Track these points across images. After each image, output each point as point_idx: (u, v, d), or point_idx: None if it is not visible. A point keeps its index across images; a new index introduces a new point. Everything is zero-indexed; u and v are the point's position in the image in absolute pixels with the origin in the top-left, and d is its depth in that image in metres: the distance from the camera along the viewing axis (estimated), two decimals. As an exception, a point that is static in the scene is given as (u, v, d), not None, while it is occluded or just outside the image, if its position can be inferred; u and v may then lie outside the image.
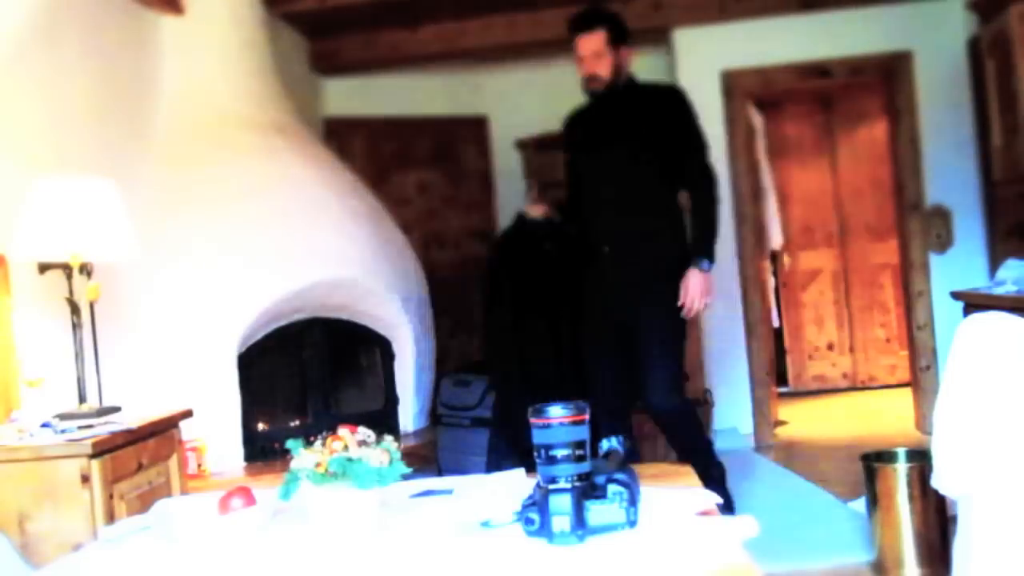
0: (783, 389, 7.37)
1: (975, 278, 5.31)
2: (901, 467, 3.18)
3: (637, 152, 3.77)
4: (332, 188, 4.37)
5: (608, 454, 1.69)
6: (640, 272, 3.74)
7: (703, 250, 3.70)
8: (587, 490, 1.52)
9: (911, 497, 3.13)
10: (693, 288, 3.66)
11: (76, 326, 2.71)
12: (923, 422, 5.65)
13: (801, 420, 6.50)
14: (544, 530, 1.51)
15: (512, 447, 4.08)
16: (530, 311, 4.15)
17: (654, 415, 3.78)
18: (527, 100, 6.58)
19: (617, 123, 3.82)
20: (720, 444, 5.57)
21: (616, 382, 3.80)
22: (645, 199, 3.79)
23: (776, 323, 6.87)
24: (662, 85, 3.99)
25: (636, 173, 3.78)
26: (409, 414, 4.62)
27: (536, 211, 4.09)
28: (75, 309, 2.71)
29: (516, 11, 5.70)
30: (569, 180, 4.07)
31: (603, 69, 3.76)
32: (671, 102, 3.83)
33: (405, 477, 1.72)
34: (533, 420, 1.58)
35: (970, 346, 2.14)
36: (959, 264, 5.62)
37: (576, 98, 3.96)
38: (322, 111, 6.12)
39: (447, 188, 6.67)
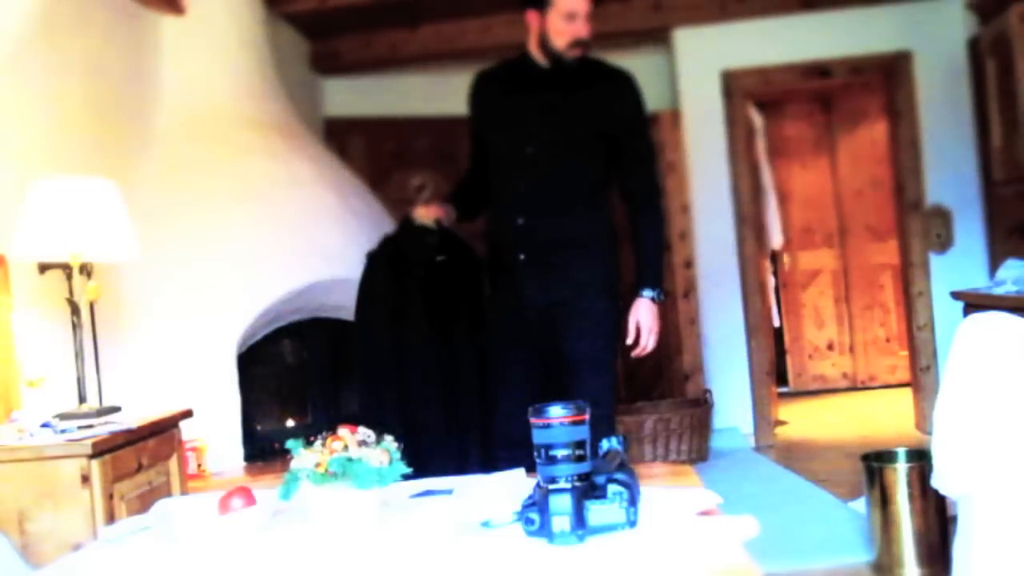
0: (783, 389, 7.38)
1: (975, 278, 5.32)
2: (901, 467, 3.18)
3: (581, 141, 3.09)
4: (332, 188, 4.37)
5: (608, 454, 1.69)
6: (568, 289, 3.06)
7: (656, 277, 3.09)
8: (587, 490, 1.52)
9: (911, 497, 3.13)
10: (647, 322, 3.03)
11: (76, 326, 2.71)
12: (923, 422, 5.65)
13: (801, 420, 6.50)
14: (544, 530, 1.51)
15: None
16: (413, 343, 3.27)
17: None
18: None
19: (565, 101, 3.10)
20: (720, 444, 5.60)
21: (522, 413, 3.17)
22: (578, 198, 3.09)
23: (776, 323, 6.87)
24: (612, 66, 3.18)
25: (573, 167, 3.08)
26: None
27: (427, 214, 3.28)
28: (75, 309, 2.71)
29: (515, 11, 5.68)
30: (475, 162, 3.33)
31: (588, 32, 3.06)
32: (626, 92, 3.13)
33: (405, 477, 1.72)
34: (533, 420, 1.58)
35: (970, 346, 2.14)
36: (959, 264, 5.62)
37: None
38: (322, 111, 6.12)
39: (447, 188, 6.67)
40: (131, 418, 2.70)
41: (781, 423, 6.26)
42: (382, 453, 1.68)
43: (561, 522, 1.49)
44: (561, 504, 1.49)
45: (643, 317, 3.04)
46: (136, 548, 1.72)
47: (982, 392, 2.10)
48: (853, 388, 7.56)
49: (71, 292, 2.70)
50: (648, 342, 3.05)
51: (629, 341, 3.05)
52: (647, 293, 3.05)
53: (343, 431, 1.70)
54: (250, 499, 1.75)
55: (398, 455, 1.71)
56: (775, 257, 7.36)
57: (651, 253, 3.11)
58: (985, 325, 2.15)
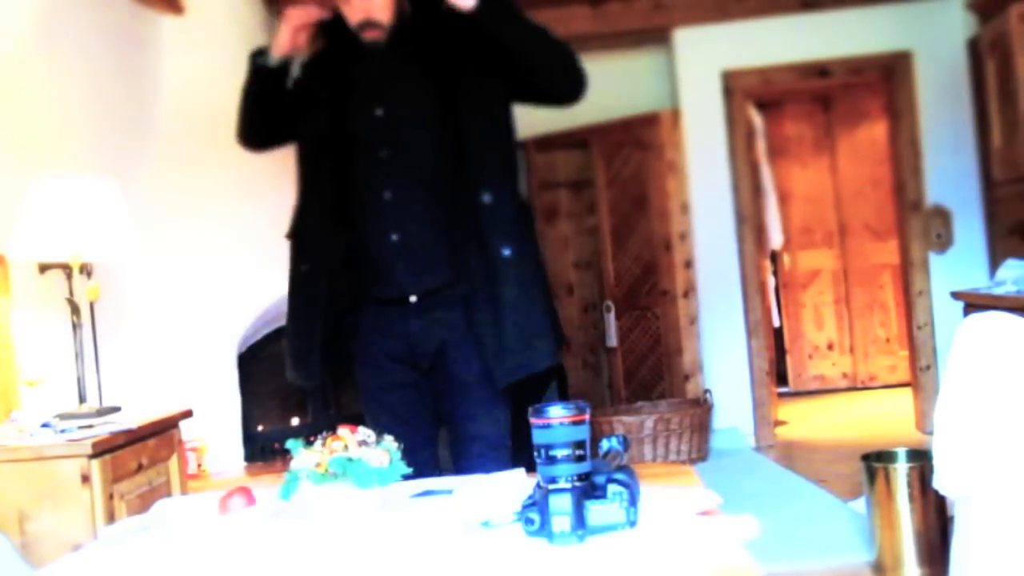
0: (783, 389, 7.38)
1: (975, 278, 5.32)
2: (901, 467, 3.18)
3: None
4: (332, 188, 4.37)
5: (608, 454, 1.69)
6: None
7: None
8: (587, 490, 1.52)
9: (911, 497, 3.13)
10: None
11: (76, 326, 2.71)
12: (923, 422, 5.65)
13: (801, 420, 6.50)
14: (544, 530, 1.51)
15: None
16: None
17: None
18: (527, 100, 6.57)
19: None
20: (720, 444, 5.60)
21: None
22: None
23: (776, 323, 6.86)
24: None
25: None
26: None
27: None
28: (75, 309, 2.71)
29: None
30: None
31: (382, 11, 2.44)
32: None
33: (405, 477, 1.72)
34: (533, 420, 1.57)
35: (970, 346, 2.14)
36: (959, 264, 5.62)
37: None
38: (322, 111, 6.11)
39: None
40: (131, 418, 2.70)
41: (781, 423, 6.26)
42: (382, 453, 1.68)
43: (561, 522, 1.49)
44: (561, 504, 1.49)
45: None
46: (136, 548, 1.72)
47: (982, 392, 2.10)
48: (853, 388, 7.56)
49: (71, 292, 2.70)
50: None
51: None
52: None
53: (343, 431, 1.70)
54: (250, 499, 1.75)
55: (398, 455, 1.71)
56: (775, 257, 7.36)
57: None
58: (985, 325, 2.15)
